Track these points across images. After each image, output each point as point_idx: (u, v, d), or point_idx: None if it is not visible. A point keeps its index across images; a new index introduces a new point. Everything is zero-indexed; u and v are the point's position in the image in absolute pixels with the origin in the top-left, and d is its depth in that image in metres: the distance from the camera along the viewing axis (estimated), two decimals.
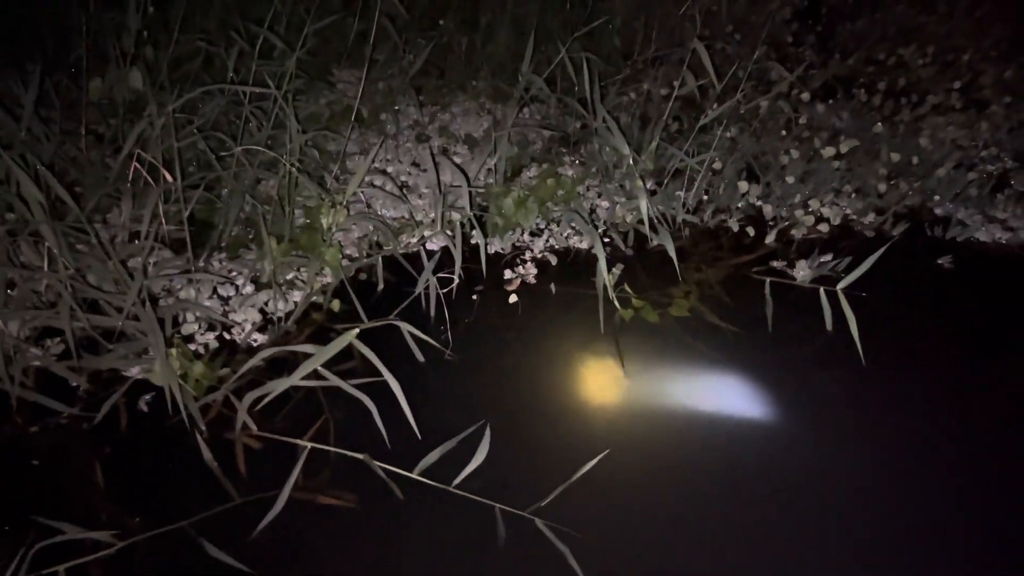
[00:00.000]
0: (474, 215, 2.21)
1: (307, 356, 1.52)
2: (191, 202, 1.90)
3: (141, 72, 2.09)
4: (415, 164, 2.68)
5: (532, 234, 2.39)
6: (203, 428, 1.67)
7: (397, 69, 2.76)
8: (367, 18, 2.69)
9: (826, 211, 2.52)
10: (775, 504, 1.61)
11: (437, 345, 1.88)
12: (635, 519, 1.57)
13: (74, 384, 1.75)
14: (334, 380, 1.60)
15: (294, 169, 1.89)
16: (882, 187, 2.62)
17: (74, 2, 2.38)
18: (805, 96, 3.05)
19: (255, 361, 1.57)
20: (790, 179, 2.56)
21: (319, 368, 1.62)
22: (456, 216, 2.28)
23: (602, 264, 1.90)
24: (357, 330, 1.43)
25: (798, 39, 3.68)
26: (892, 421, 1.83)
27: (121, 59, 2.12)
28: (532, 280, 2.21)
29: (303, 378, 1.59)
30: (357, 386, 1.58)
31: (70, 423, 1.67)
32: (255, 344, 1.92)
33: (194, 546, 1.45)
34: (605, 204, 2.49)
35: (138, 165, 1.85)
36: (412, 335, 1.78)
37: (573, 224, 2.42)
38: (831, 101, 3.13)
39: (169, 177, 1.88)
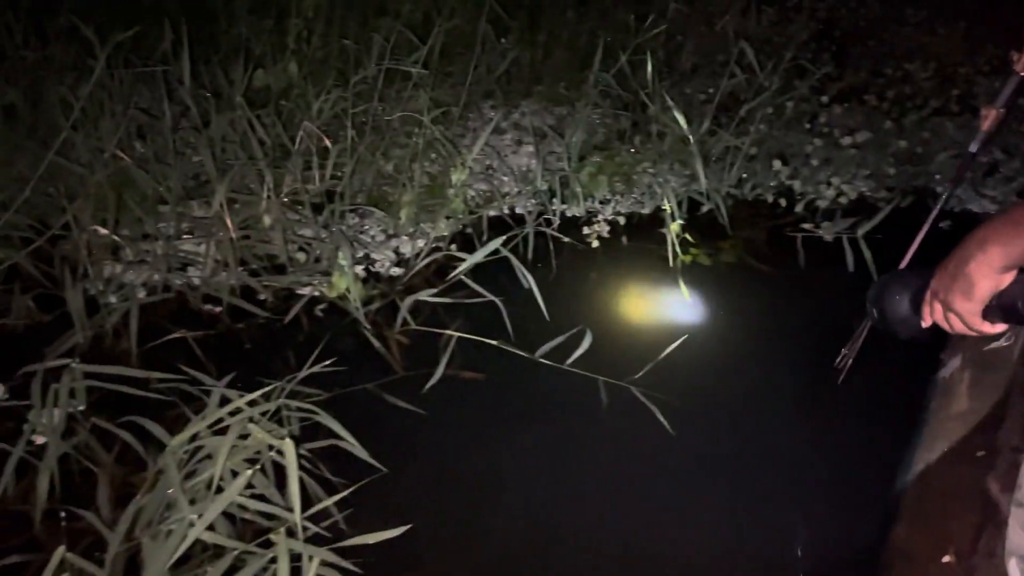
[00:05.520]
0: (549, 189, 2.74)
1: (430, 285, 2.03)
2: (353, 161, 2.41)
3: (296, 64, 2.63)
4: (496, 152, 3.19)
5: (601, 202, 2.90)
6: (368, 326, 2.16)
7: (484, 71, 3.28)
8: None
9: (845, 188, 3.02)
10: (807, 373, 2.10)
11: (578, 244, 2.55)
12: (710, 388, 2.06)
13: (261, 297, 2.25)
14: (476, 288, 2.10)
15: (438, 131, 2.41)
16: (891, 171, 3.12)
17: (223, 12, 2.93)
18: (824, 100, 3.58)
19: (419, 267, 2.08)
20: (814, 162, 3.07)
21: (463, 278, 2.13)
22: (543, 185, 2.79)
23: (672, 207, 2.40)
24: (504, 237, 1.93)
25: (816, 56, 4.21)
26: None
27: (279, 55, 2.66)
28: (606, 235, 2.71)
29: (436, 294, 2.11)
30: (477, 304, 2.08)
31: (265, 323, 2.17)
32: (393, 276, 2.42)
33: (379, 399, 1.94)
34: (660, 180, 3.00)
35: (304, 133, 2.38)
36: (514, 268, 2.27)
37: (634, 195, 2.94)
38: (846, 105, 3.65)
39: (328, 142, 2.41)
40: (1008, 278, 0.93)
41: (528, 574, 1.65)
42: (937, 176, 3.13)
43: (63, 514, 1.55)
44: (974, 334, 1.00)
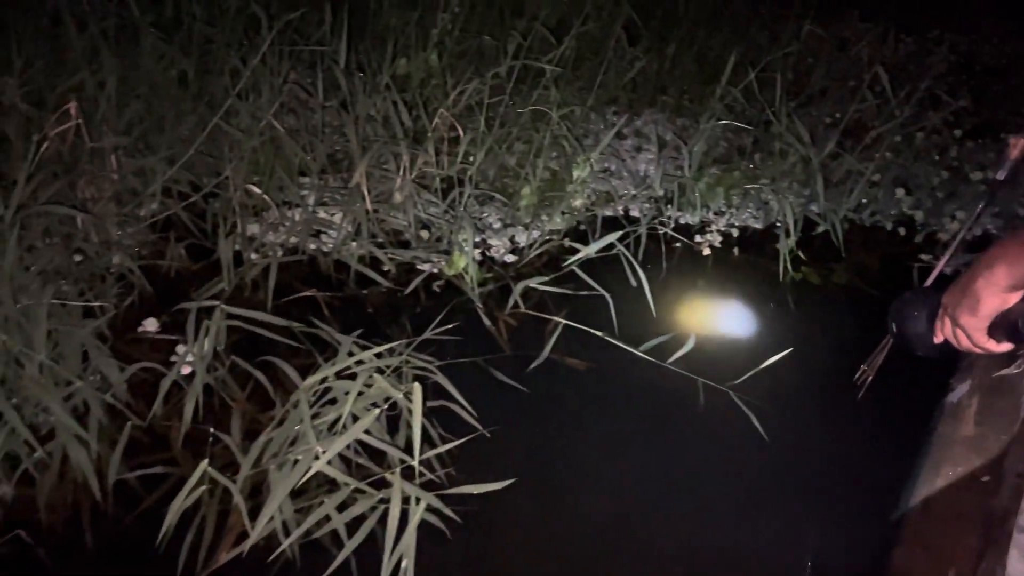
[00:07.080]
0: (665, 195, 2.79)
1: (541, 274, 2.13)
2: (482, 150, 2.53)
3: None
4: (615, 155, 3.27)
5: (716, 213, 2.94)
6: (481, 306, 2.29)
7: (612, 76, 3.37)
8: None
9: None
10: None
11: (690, 249, 2.63)
12: (808, 401, 2.09)
13: (385, 268, 2.40)
14: (587, 279, 2.19)
15: (564, 126, 2.52)
16: (1022, 211, 3.03)
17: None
18: (957, 133, 3.50)
19: (532, 256, 2.19)
20: (940, 195, 3.02)
21: (574, 269, 2.22)
22: (660, 191, 2.85)
23: (788, 224, 2.43)
24: (619, 232, 2.02)
25: (952, 88, 4.10)
26: None
27: (422, 45, 2.82)
28: (718, 245, 2.76)
29: (547, 282, 2.21)
30: (585, 296, 2.16)
31: (387, 292, 2.33)
32: (507, 262, 2.53)
33: (486, 372, 2.06)
34: (778, 197, 3.01)
35: (439, 120, 2.53)
36: (623, 267, 2.34)
37: (750, 209, 2.96)
38: (980, 140, 3.55)
39: (461, 131, 2.55)
40: (1014, 297, 0.96)
41: (609, 551, 1.73)
42: None
43: (212, 428, 1.72)
44: (979, 351, 1.04)
